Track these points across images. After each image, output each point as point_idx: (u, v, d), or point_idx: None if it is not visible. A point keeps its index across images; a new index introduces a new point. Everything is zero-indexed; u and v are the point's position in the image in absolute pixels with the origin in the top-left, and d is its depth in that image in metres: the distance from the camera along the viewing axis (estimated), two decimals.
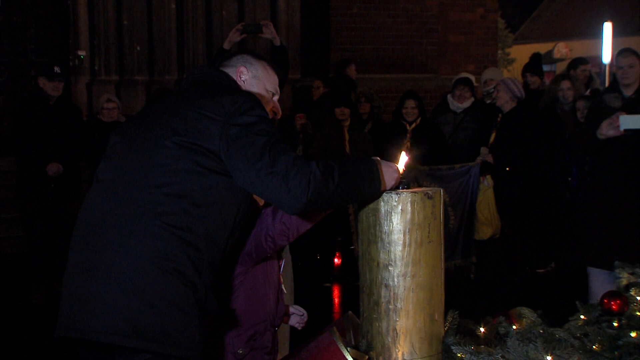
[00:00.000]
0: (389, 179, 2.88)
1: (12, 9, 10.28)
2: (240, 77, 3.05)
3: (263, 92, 3.07)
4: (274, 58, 6.29)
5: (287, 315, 3.51)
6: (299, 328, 3.62)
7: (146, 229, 2.65)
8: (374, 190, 2.84)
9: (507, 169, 7.73)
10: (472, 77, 9.39)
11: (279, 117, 3.14)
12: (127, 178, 2.75)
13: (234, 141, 2.69)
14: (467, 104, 8.45)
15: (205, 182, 2.71)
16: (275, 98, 3.14)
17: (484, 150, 7.75)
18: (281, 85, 6.30)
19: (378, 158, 2.93)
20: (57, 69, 7.67)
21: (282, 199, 2.67)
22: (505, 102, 7.86)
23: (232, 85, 2.97)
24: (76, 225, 2.83)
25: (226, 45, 6.21)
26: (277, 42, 6.23)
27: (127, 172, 2.76)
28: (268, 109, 3.04)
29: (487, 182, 7.75)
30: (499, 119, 7.94)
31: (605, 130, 5.51)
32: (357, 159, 2.95)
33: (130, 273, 2.63)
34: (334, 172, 2.72)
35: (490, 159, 7.68)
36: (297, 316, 3.58)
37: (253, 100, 2.80)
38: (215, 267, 2.79)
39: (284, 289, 3.35)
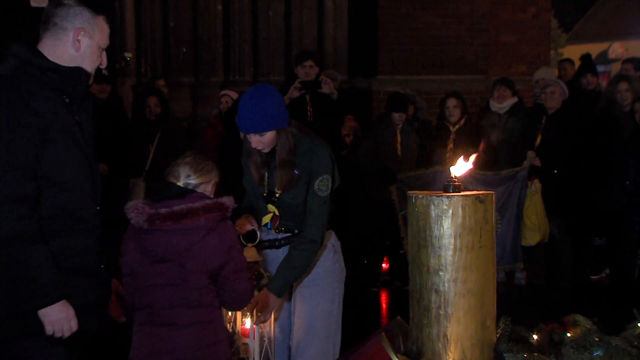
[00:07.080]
0: None
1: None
2: (77, 39, 3.05)
3: (95, 52, 3.10)
4: (326, 106, 6.78)
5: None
6: None
7: None
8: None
9: (555, 172, 7.59)
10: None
11: (104, 66, 3.18)
12: None
13: None
14: (508, 103, 8.29)
15: None
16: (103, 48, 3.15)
17: (530, 154, 7.63)
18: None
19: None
20: (104, 71, 7.72)
21: None
22: (558, 104, 7.74)
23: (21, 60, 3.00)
24: None
25: (286, 101, 6.38)
26: (335, 97, 6.41)
27: None
28: (96, 65, 3.11)
29: (535, 186, 7.61)
30: (543, 121, 7.81)
31: None
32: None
33: None
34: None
35: (537, 162, 7.56)
36: None
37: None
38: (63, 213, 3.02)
39: None
